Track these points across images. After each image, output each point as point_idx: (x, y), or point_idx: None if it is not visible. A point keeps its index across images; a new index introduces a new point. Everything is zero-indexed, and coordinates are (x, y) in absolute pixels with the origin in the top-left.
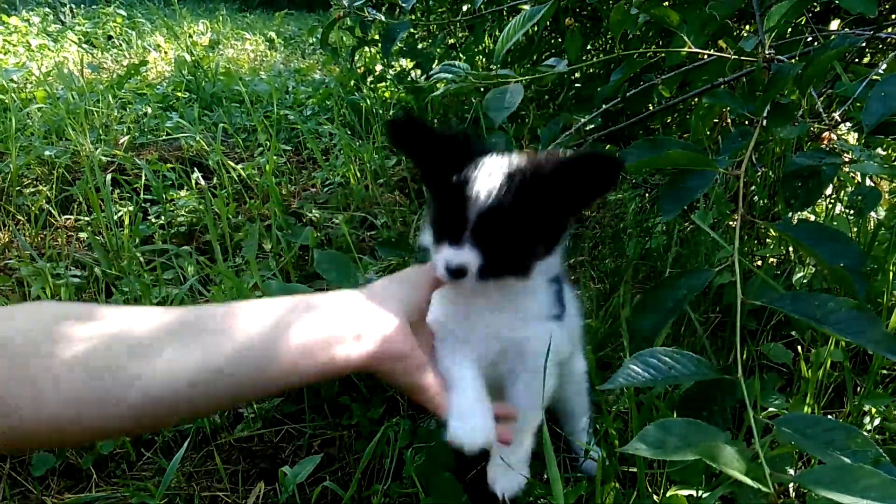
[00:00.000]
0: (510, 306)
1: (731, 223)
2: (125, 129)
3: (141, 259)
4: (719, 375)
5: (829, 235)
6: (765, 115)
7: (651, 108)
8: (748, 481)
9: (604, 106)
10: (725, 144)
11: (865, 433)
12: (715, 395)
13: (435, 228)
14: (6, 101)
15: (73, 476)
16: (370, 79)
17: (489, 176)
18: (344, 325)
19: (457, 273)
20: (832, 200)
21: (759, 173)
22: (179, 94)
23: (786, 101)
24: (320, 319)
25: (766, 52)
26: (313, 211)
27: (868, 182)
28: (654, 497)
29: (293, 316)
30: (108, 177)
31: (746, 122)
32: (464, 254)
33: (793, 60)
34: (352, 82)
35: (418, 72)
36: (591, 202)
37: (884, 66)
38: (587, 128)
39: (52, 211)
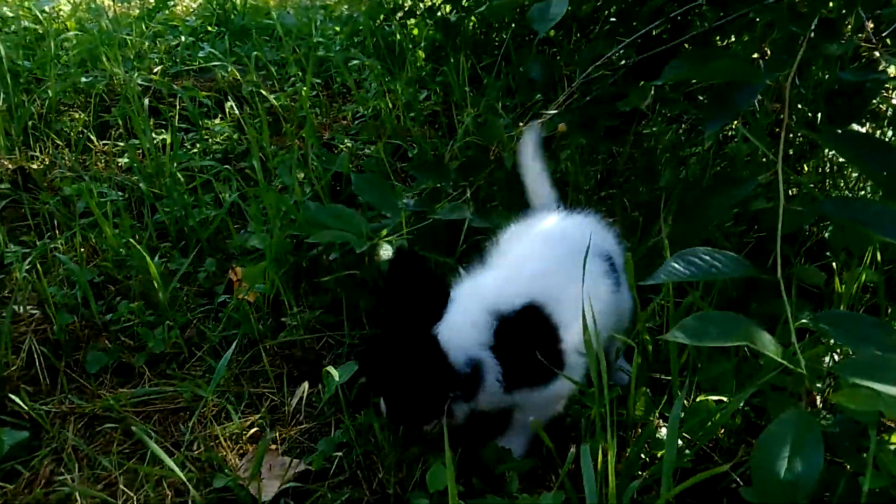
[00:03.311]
0: None
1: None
2: (158, 59)
3: (181, 178)
4: (758, 273)
5: (873, 145)
6: (812, 30)
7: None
8: (784, 363)
9: (645, 28)
10: (770, 62)
11: None
12: (752, 298)
13: None
14: (40, 30)
15: (125, 374)
16: (399, 14)
17: None
18: None
19: None
20: (872, 128)
21: (799, 106)
22: (210, 27)
23: (833, 17)
24: None
25: None
26: (346, 142)
27: None
28: (685, 402)
29: None
30: (146, 101)
31: None
32: None
33: None
34: (381, 17)
35: (448, 7)
36: None
37: None
38: (621, 62)
39: (91, 136)
